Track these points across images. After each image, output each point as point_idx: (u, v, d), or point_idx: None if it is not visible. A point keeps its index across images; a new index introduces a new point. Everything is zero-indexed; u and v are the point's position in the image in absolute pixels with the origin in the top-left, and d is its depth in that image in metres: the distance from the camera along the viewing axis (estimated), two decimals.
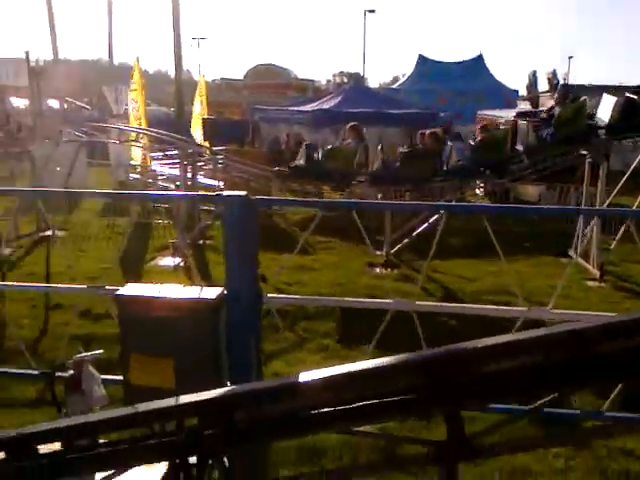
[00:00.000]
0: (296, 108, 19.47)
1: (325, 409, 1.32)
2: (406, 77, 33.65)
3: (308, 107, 19.09)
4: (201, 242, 10.22)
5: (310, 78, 39.66)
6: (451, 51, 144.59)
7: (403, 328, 3.61)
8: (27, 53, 16.18)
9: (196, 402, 1.47)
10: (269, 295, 2.90)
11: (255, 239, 2.85)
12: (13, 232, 9.79)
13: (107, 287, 2.91)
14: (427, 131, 12.98)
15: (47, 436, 1.75)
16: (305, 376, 1.33)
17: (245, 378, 2.51)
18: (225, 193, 2.92)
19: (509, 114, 16.86)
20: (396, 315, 3.58)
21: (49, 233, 10.10)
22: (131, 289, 2.50)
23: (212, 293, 2.62)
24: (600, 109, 9.82)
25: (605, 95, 9.91)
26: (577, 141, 9.83)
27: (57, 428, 1.75)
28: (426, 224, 8.99)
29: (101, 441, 1.75)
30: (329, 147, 12.55)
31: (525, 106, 17.98)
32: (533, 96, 17.28)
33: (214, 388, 1.61)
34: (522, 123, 12.96)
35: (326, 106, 18.37)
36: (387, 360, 1.26)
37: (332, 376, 1.31)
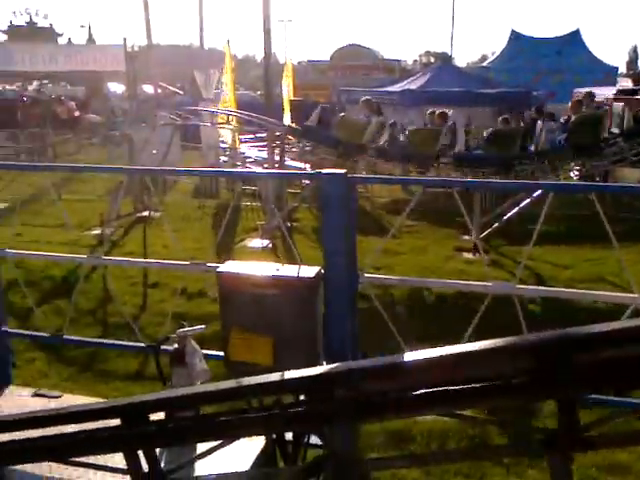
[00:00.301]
0: (383, 89, 19.25)
1: (428, 390, 1.32)
2: (496, 55, 32.38)
3: (395, 87, 18.83)
4: (288, 224, 10.39)
5: (396, 58, 39.10)
6: (545, 26, 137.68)
7: (496, 314, 3.52)
8: (125, 40, 16.96)
9: (300, 378, 1.50)
10: (366, 275, 2.91)
11: (353, 217, 2.86)
12: (114, 212, 10.34)
13: (208, 264, 3.02)
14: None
15: (158, 405, 1.85)
16: (408, 356, 1.33)
17: (341, 357, 2.55)
18: (324, 171, 2.94)
19: (608, 92, 15.93)
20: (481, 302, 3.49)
21: (146, 214, 10.62)
22: (232, 266, 2.59)
23: (310, 271, 2.67)
24: None
25: None
26: None
27: (167, 398, 1.84)
28: (517, 207, 8.70)
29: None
30: (413, 128, 12.39)
31: (626, 83, 16.92)
32: (634, 73, 16.27)
33: (311, 366, 1.64)
34: (617, 105, 12.22)
35: (413, 86, 18.04)
36: (495, 342, 1.23)
37: (436, 357, 1.29)
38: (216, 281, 2.60)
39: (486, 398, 1.28)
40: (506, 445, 2.20)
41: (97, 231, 9.66)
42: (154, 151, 11.25)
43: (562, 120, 12.89)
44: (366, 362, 1.54)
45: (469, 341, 2.48)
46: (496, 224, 9.11)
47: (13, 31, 29.54)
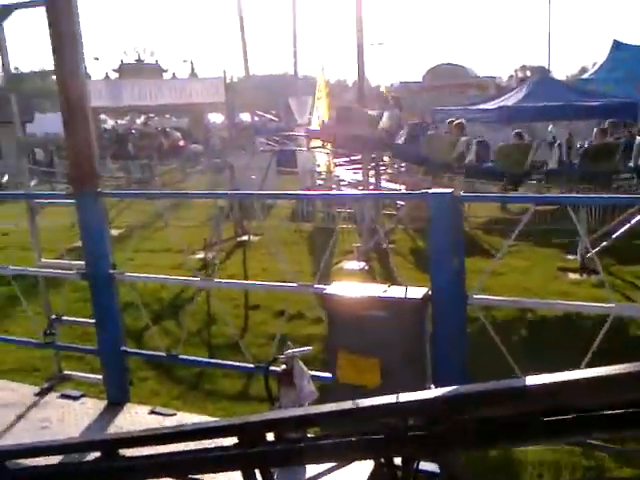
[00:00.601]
0: (478, 107, 18.87)
1: (558, 416, 1.25)
2: (598, 66, 30.93)
3: (490, 105, 18.40)
4: (385, 246, 10.35)
5: (491, 75, 38.32)
6: None
7: (604, 338, 3.31)
8: (224, 72, 17.80)
9: (416, 401, 1.48)
10: (476, 296, 2.84)
11: (461, 237, 2.81)
12: (216, 237, 10.75)
13: (315, 286, 3.06)
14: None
15: (276, 425, 1.87)
16: (534, 379, 1.27)
17: (450, 380, 2.48)
18: (432, 190, 2.92)
19: None
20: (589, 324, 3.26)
21: (246, 238, 10.97)
22: (338, 288, 2.61)
23: (417, 292, 2.63)
24: None
25: None
26: None
27: (285, 417, 1.86)
28: (628, 224, 8.20)
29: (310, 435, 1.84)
30: (500, 145, 12.06)
31: None
32: None
33: (418, 389, 1.61)
34: None
35: (509, 102, 17.56)
36: (626, 367, 1.16)
37: (566, 380, 1.23)
38: (322, 303, 2.62)
39: (626, 426, 1.20)
40: (629, 478, 2.05)
41: (201, 255, 10.07)
42: (253, 176, 11.63)
43: None
44: (489, 385, 1.49)
45: (589, 366, 2.35)
46: (604, 242, 8.62)
47: (123, 69, 31.76)
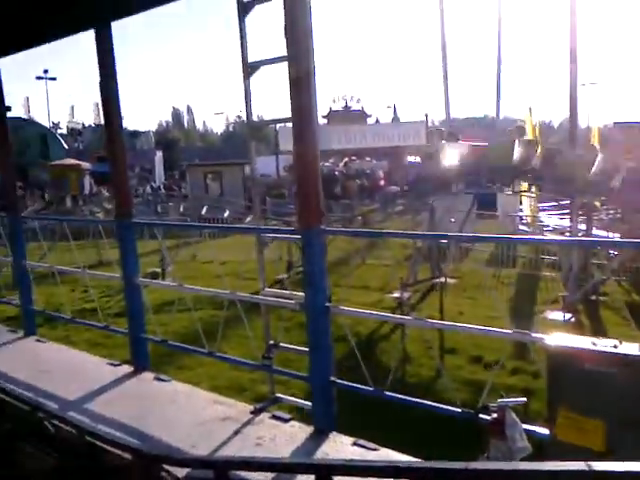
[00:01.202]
0: None
1: None
2: None
3: None
4: (594, 298, 9.58)
5: None
6: None
7: None
8: (426, 116, 18.08)
9: None
10: None
11: None
12: (412, 277, 10.82)
13: (534, 334, 2.94)
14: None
15: (484, 476, 1.83)
16: None
17: None
18: None
19: None
20: None
21: (442, 280, 10.87)
22: (560, 339, 2.47)
23: None
24: None
25: None
26: None
27: (500, 470, 1.81)
28: None
29: None
30: None
31: None
32: None
33: None
34: None
35: None
36: None
37: None
38: (546, 356, 2.49)
39: None
40: None
41: (396, 294, 10.19)
42: (452, 219, 11.55)
43: None
44: None
45: None
46: None
47: (331, 115, 33.94)
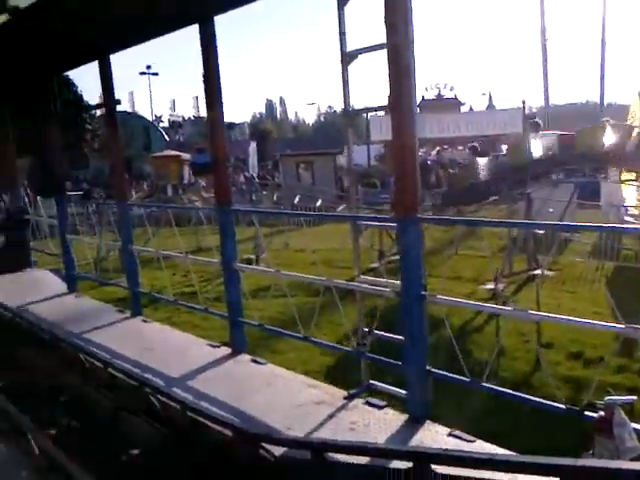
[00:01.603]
0: None
1: None
2: None
3: None
4: None
5: None
6: None
7: None
8: (523, 102, 17.38)
9: None
10: None
11: None
12: (507, 269, 10.50)
13: None
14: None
15: (592, 473, 1.77)
16: None
17: None
18: None
19: None
20: None
21: (539, 272, 10.46)
22: None
23: None
24: None
25: None
26: None
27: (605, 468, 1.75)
28: None
29: None
30: None
31: None
32: None
33: None
34: None
35: None
36: None
37: None
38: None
39: None
40: None
41: (490, 286, 9.92)
42: (550, 209, 11.09)
43: None
44: None
45: None
46: None
47: (424, 104, 33.35)
